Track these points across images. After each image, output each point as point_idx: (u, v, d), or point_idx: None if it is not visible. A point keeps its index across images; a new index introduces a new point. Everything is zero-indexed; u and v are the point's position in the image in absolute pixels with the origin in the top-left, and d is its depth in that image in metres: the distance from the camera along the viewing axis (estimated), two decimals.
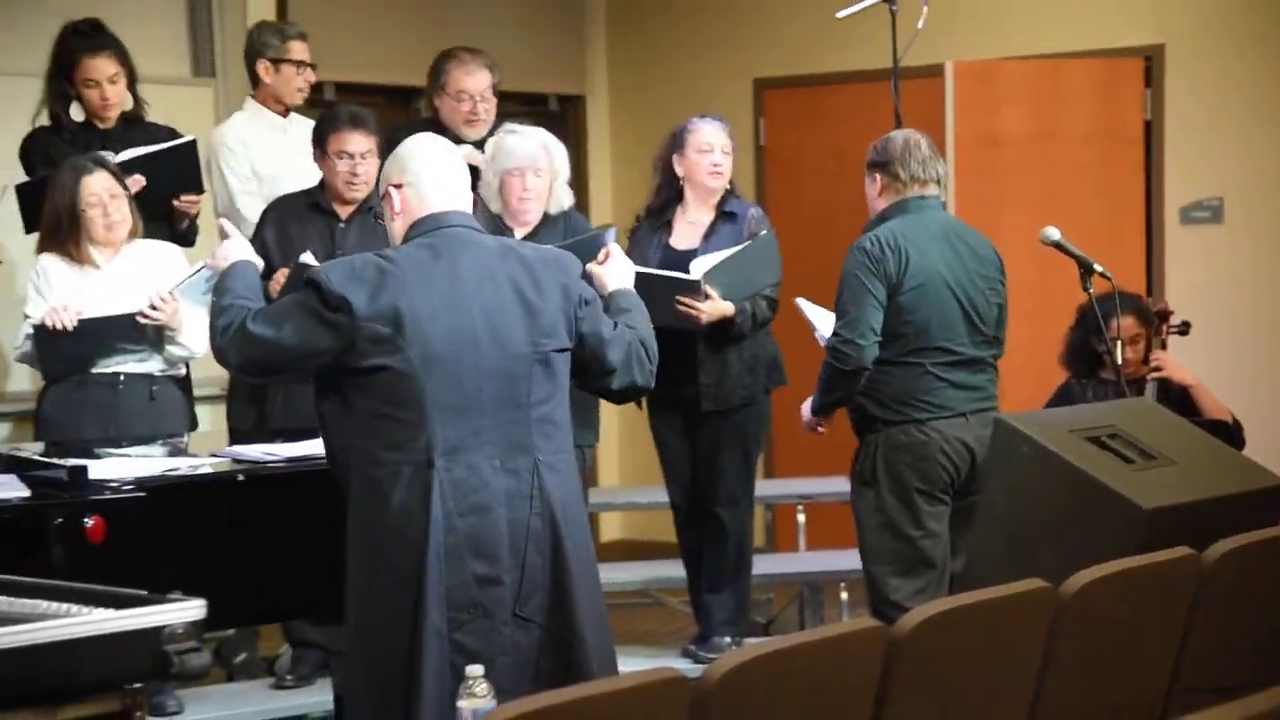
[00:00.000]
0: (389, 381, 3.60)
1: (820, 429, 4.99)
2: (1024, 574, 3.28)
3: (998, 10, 7.44)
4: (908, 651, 2.96)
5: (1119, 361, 5.11)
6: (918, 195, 4.85)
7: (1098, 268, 4.96)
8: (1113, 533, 3.75)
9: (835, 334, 4.77)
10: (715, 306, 5.24)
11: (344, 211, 5.34)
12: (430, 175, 3.76)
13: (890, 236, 4.76)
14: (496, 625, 3.62)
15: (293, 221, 5.35)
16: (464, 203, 3.81)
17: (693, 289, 5.19)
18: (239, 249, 3.96)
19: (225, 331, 3.66)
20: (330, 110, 5.51)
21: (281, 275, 5.14)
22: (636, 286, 4.15)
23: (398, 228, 3.79)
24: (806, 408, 4.98)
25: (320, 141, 5.33)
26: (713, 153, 5.42)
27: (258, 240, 5.34)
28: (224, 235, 4.10)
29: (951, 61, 7.04)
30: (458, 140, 5.82)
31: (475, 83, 5.79)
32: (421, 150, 3.82)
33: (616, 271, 4.06)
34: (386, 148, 5.45)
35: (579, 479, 3.91)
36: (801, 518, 6.89)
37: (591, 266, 4.05)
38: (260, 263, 4.01)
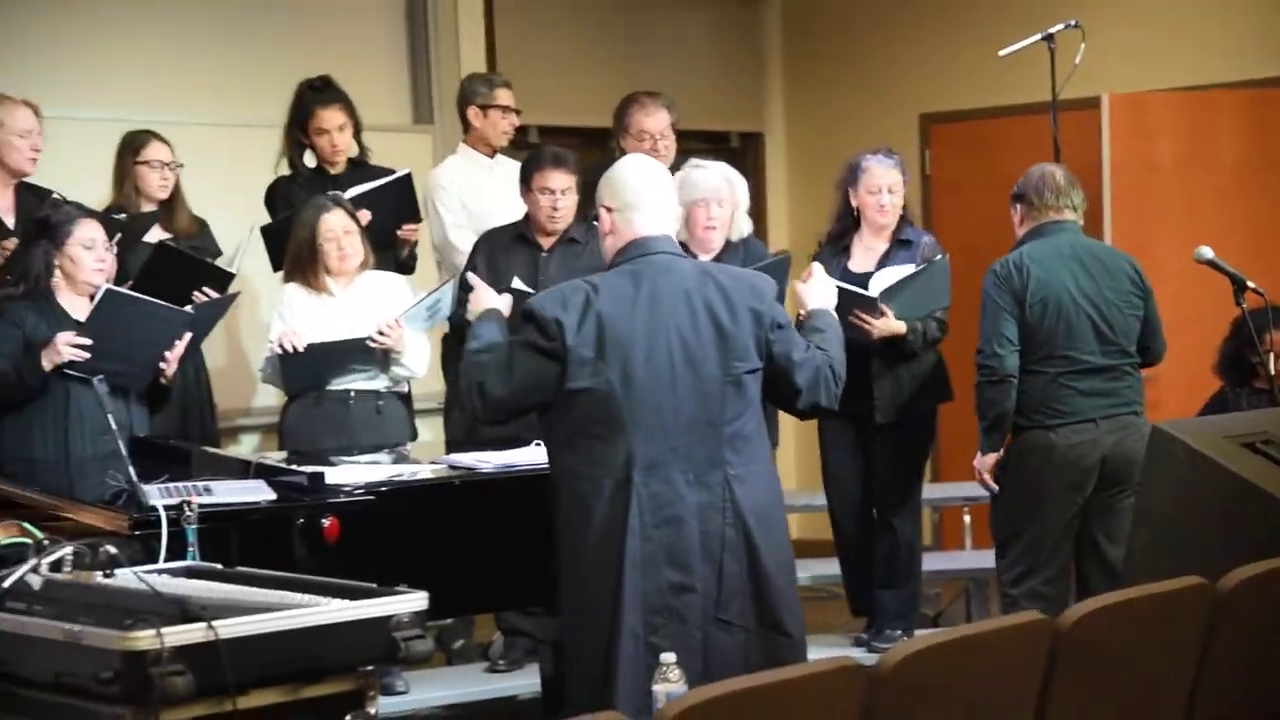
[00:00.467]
0: (592, 402, 3.59)
1: (991, 474, 4.93)
2: (1180, 571, 3.21)
3: (1150, 45, 7.28)
4: (1070, 643, 2.90)
5: (1272, 372, 5.01)
6: (1052, 220, 4.88)
7: (1250, 284, 4.87)
8: (1267, 532, 3.65)
9: (979, 351, 4.81)
10: (888, 324, 5.18)
11: (546, 242, 5.37)
12: (638, 201, 3.70)
13: (1017, 258, 4.84)
14: (689, 629, 3.59)
15: (500, 252, 5.40)
16: (669, 226, 3.75)
17: (870, 305, 5.15)
18: (489, 299, 3.98)
19: (469, 391, 3.68)
20: (535, 151, 5.56)
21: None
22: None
23: (608, 245, 3.76)
24: (977, 461, 4.96)
25: (526, 179, 5.37)
26: (880, 194, 5.34)
27: (470, 269, 5.42)
28: (468, 288, 4.11)
29: (1107, 94, 6.90)
30: None
31: (655, 122, 5.80)
32: (633, 176, 3.75)
33: (818, 292, 3.98)
34: (584, 185, 5.52)
35: (775, 484, 3.83)
36: (967, 518, 6.81)
37: (798, 284, 4.00)
38: (506, 308, 4.02)
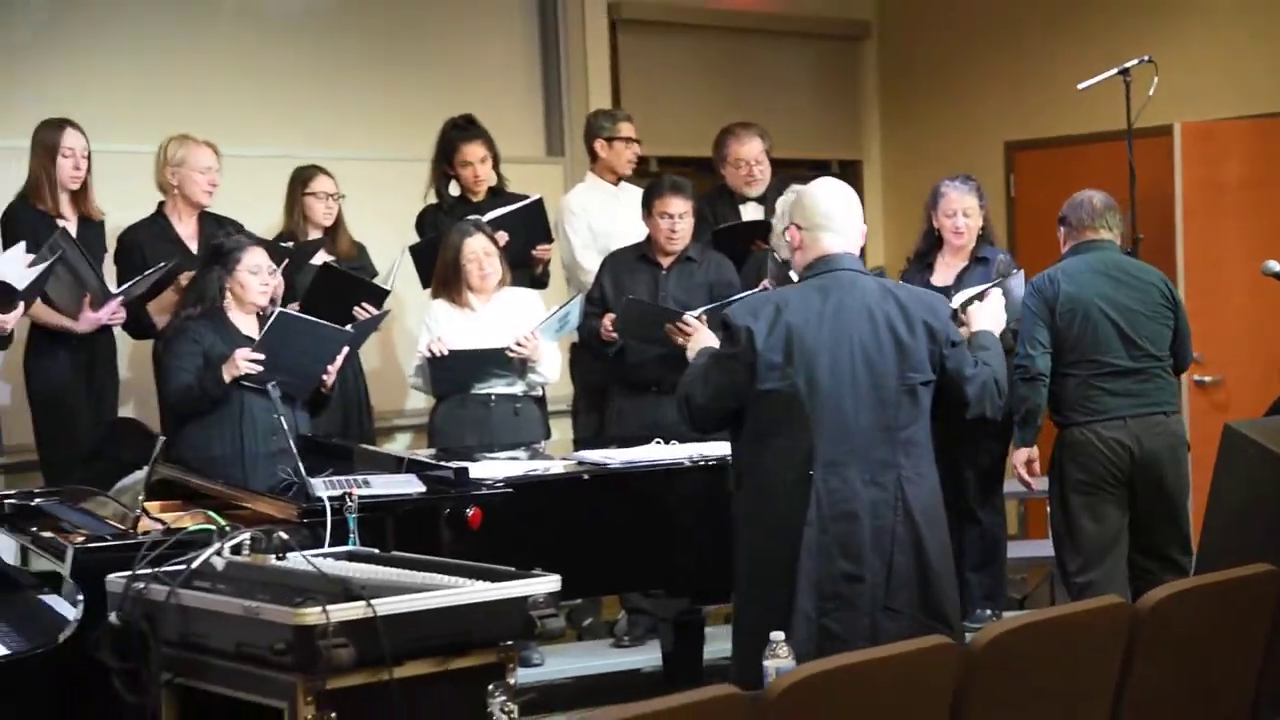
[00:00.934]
0: (778, 403, 3.53)
1: (1033, 466, 4.93)
2: (1251, 559, 3.14)
3: (1219, 76, 7.13)
4: (1149, 625, 2.86)
5: None
6: (1088, 240, 4.90)
7: None
8: None
9: (1018, 354, 4.84)
10: (966, 333, 5.10)
11: (665, 261, 5.38)
12: (826, 221, 3.63)
13: (1053, 272, 4.90)
14: (859, 615, 3.53)
15: (624, 270, 5.41)
16: (854, 244, 3.67)
17: (952, 316, 5.06)
18: (706, 339, 3.97)
19: (680, 406, 3.68)
20: (655, 179, 5.56)
21: (609, 318, 5.23)
22: None
23: (796, 260, 3.72)
24: (1013, 455, 4.97)
25: (647, 205, 5.38)
26: (956, 217, 5.27)
27: (597, 286, 5.44)
28: (687, 332, 4.16)
29: (1179, 122, 6.78)
30: (743, 199, 5.86)
31: (749, 150, 5.79)
32: (823, 196, 3.68)
33: (988, 315, 3.95)
34: (698, 210, 5.52)
35: (938, 487, 3.74)
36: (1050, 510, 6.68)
37: (972, 306, 3.96)
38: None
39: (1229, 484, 4.00)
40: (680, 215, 5.30)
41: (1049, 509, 4.99)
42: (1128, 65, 5.53)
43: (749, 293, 5.06)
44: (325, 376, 4.73)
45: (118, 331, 5.14)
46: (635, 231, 5.49)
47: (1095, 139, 7.19)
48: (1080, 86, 5.71)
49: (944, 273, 5.38)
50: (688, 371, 3.76)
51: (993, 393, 3.71)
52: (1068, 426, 4.85)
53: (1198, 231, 6.79)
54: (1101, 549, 4.82)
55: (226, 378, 4.56)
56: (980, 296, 5.10)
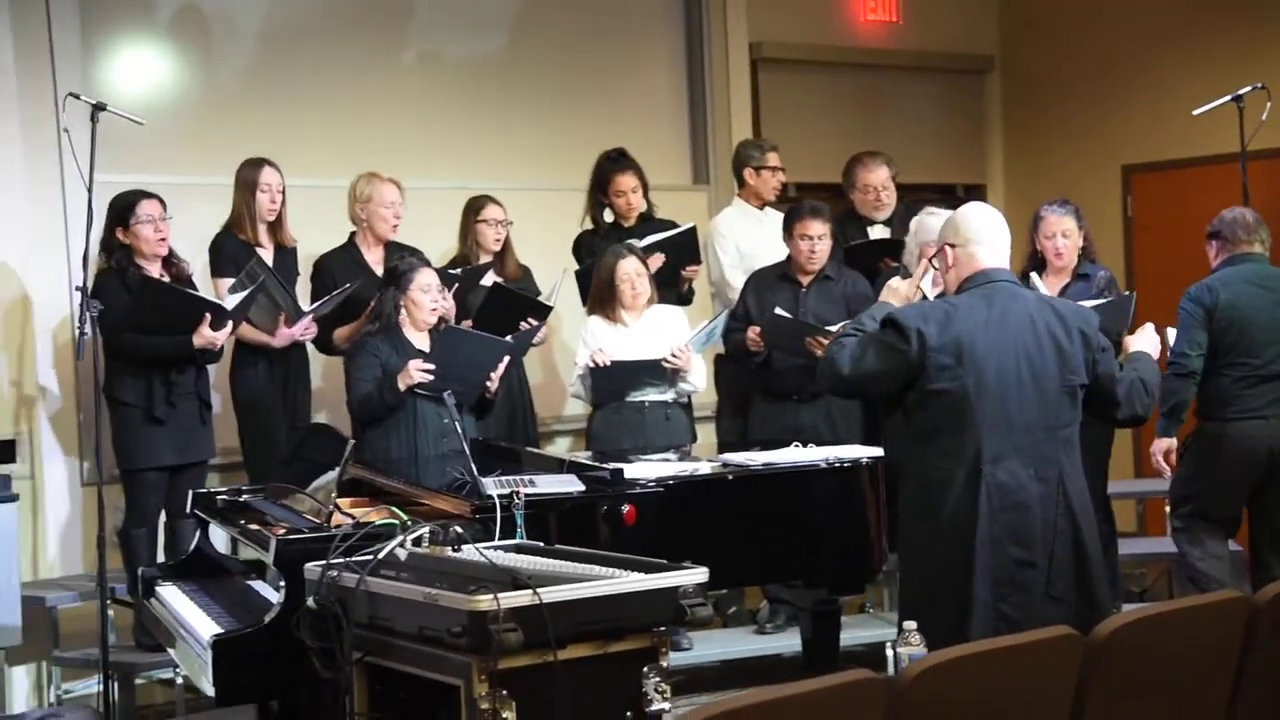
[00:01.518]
0: (948, 402, 3.48)
1: (1170, 458, 4.93)
2: None
3: None
4: (1266, 616, 2.76)
5: None
6: (1243, 253, 4.93)
7: None
8: None
9: (1172, 351, 4.87)
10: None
11: (805, 279, 5.35)
12: (980, 238, 3.59)
13: (1211, 281, 4.91)
14: (1033, 600, 3.47)
15: (766, 288, 5.39)
16: (1005, 261, 3.63)
17: None
18: (902, 293, 3.80)
19: (827, 362, 3.58)
20: (796, 204, 5.53)
21: (754, 331, 5.22)
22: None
23: (951, 279, 3.64)
24: (1155, 445, 4.95)
25: (788, 228, 5.36)
26: (1055, 239, 5.14)
27: (741, 303, 5.43)
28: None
29: None
30: (870, 222, 5.79)
31: (876, 177, 5.73)
32: (975, 217, 3.63)
33: (1143, 341, 3.84)
34: (836, 232, 5.48)
35: (1087, 486, 3.68)
36: (1167, 508, 6.50)
37: (1129, 337, 3.90)
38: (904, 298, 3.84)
39: None
40: (819, 237, 5.28)
41: (1175, 485, 5.03)
42: (1241, 92, 5.37)
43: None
44: (489, 384, 4.79)
45: (310, 347, 5.29)
46: (778, 252, 5.47)
47: (1209, 161, 6.99)
48: (1195, 112, 5.56)
49: (1049, 290, 5.26)
50: (851, 333, 3.62)
51: (1139, 391, 3.66)
52: (1211, 420, 4.90)
53: None
54: (1223, 531, 4.95)
55: (402, 386, 4.65)
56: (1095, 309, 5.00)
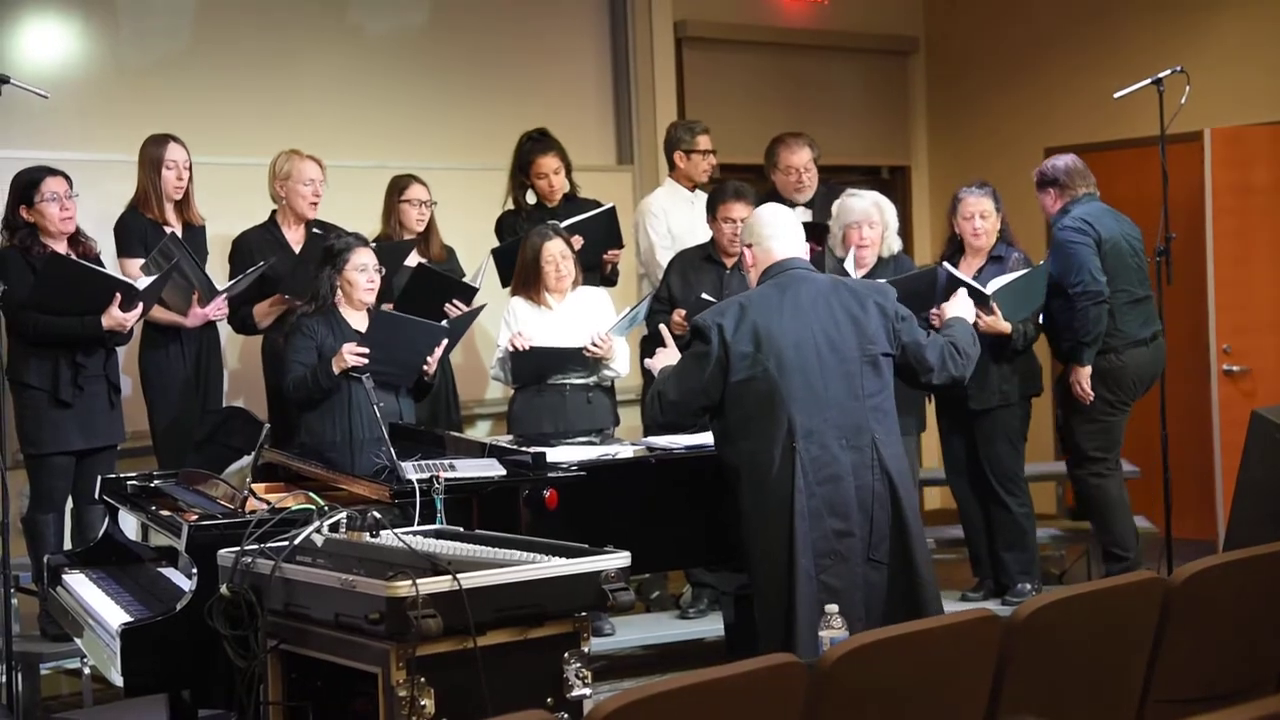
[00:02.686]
0: (755, 389, 3.65)
1: (1088, 384, 5.20)
2: (1278, 536, 3.08)
3: (1248, 85, 7.01)
4: (1181, 598, 2.82)
5: None
6: (1087, 193, 5.31)
7: None
8: None
9: (1079, 282, 5.11)
10: (995, 322, 5.02)
11: (729, 261, 5.36)
12: (774, 232, 3.84)
13: (1080, 215, 5.20)
14: (852, 568, 3.63)
15: (691, 269, 5.40)
16: (800, 250, 3.85)
17: (983, 300, 5.00)
18: (670, 356, 4.05)
19: (651, 401, 3.86)
20: (719, 185, 5.53)
21: (679, 314, 5.23)
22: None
23: (753, 277, 3.88)
24: (1077, 373, 5.21)
25: (712, 209, 5.36)
26: (972, 220, 5.21)
27: (664, 285, 5.43)
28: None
29: (1209, 128, 6.67)
30: (791, 204, 5.82)
31: (798, 158, 5.74)
32: (767, 214, 3.93)
33: (956, 307, 4.16)
34: None
35: (907, 454, 3.91)
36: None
37: (944, 305, 4.14)
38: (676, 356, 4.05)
39: (1256, 466, 3.94)
40: (742, 220, 5.26)
41: (1068, 422, 5.30)
42: (1161, 75, 5.46)
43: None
44: (427, 366, 4.75)
45: (222, 329, 5.21)
46: (708, 234, 5.47)
47: (1130, 145, 7.10)
48: (1116, 95, 5.64)
49: (965, 271, 5.32)
50: (659, 379, 3.87)
51: (951, 353, 3.85)
52: (1104, 353, 5.18)
53: (1227, 231, 6.69)
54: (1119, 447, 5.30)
55: (335, 369, 4.60)
56: (1011, 285, 5.08)
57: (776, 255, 3.81)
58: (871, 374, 3.71)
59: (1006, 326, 5.07)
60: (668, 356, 4.05)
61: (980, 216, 5.23)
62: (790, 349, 3.65)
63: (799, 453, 3.63)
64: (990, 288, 5.09)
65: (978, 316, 4.99)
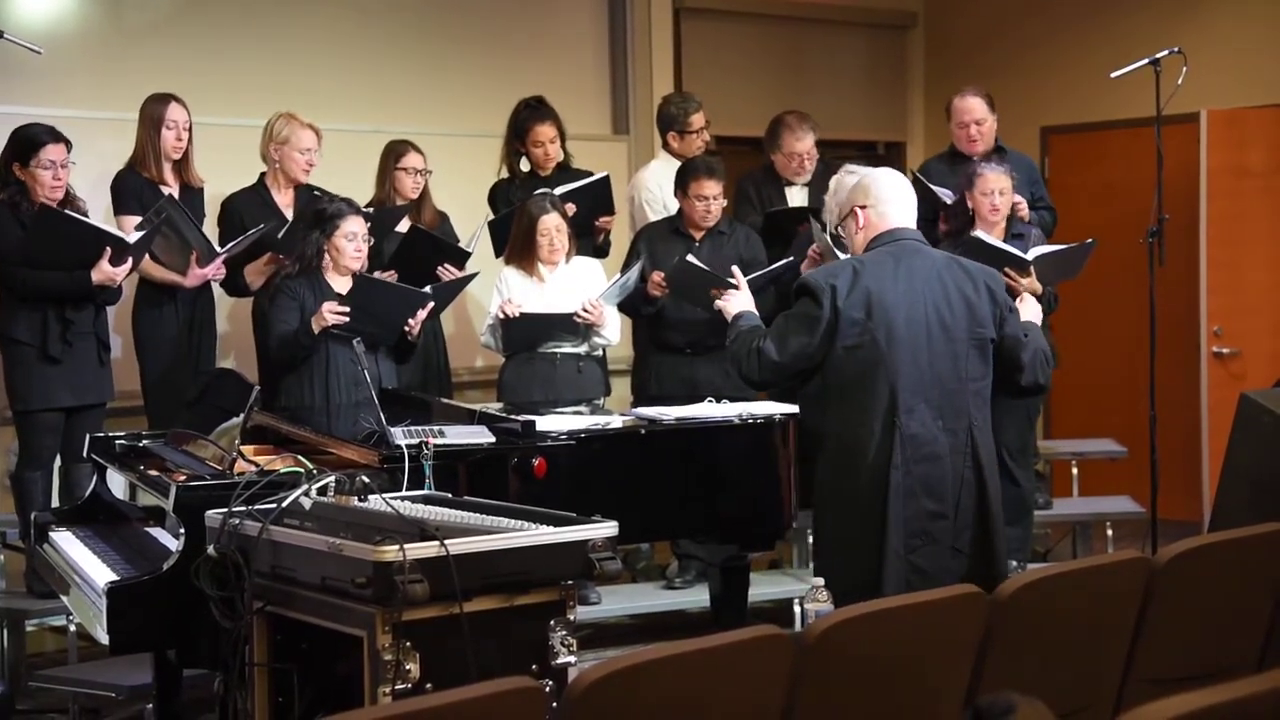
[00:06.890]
0: (861, 357, 3.49)
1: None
2: (1263, 519, 3.09)
3: (1245, 66, 7.00)
4: (1165, 577, 2.82)
5: None
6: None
7: None
8: None
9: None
10: (1033, 284, 4.92)
11: (697, 235, 5.33)
12: (892, 197, 3.62)
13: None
14: (943, 551, 3.49)
15: (659, 241, 5.37)
16: (913, 221, 3.66)
17: (1022, 265, 4.95)
18: (746, 299, 3.87)
19: (750, 356, 3.59)
20: (690, 161, 5.47)
21: (658, 275, 5.20)
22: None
23: (860, 240, 3.65)
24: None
25: (683, 185, 5.32)
26: (992, 195, 5.13)
27: (633, 252, 5.41)
28: (735, 287, 3.99)
29: (1205, 109, 6.66)
30: (789, 184, 5.79)
31: (803, 145, 5.68)
32: (886, 178, 3.68)
33: (1029, 312, 3.83)
34: (735, 190, 5.47)
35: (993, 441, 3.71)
36: (1075, 470, 6.65)
37: (1018, 302, 3.87)
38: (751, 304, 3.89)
39: (1244, 449, 3.95)
40: (714, 197, 5.27)
41: None
42: (1158, 56, 5.44)
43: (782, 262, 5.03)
44: (408, 328, 4.73)
45: (216, 290, 5.19)
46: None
47: (1126, 125, 7.10)
48: (1113, 75, 5.62)
49: None
50: (750, 329, 3.67)
51: (1042, 361, 3.66)
52: None
53: (1220, 213, 6.69)
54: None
55: (315, 329, 4.57)
56: (1055, 255, 5.01)
57: (892, 222, 3.60)
58: (978, 357, 3.56)
59: (1039, 288, 4.97)
60: (743, 301, 3.85)
61: (999, 193, 5.17)
62: (901, 322, 3.49)
63: (900, 428, 3.47)
64: (1032, 254, 5.04)
65: (1013, 279, 4.88)
